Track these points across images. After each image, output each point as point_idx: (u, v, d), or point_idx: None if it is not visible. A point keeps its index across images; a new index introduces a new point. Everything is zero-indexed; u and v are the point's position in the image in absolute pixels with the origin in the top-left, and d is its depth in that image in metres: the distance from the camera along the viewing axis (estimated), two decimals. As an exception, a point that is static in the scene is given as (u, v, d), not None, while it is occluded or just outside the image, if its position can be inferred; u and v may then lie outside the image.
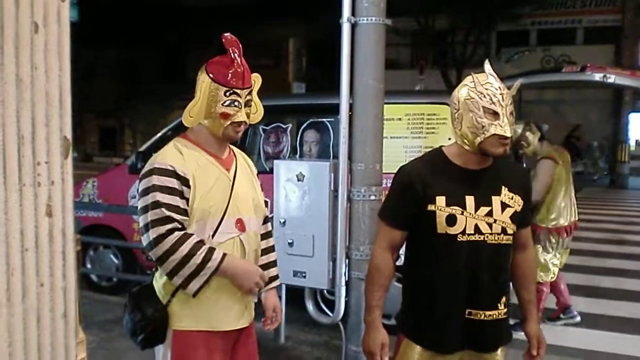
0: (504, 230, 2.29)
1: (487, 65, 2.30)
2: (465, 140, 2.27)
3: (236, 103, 2.33)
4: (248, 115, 2.40)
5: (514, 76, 5.74)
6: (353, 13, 4.03)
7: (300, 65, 25.52)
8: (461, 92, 2.28)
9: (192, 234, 2.26)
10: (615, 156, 20.06)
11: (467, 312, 2.28)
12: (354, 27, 4.05)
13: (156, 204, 2.23)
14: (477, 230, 2.24)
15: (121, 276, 6.46)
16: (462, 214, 2.24)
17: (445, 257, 2.27)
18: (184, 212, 2.27)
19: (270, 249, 2.71)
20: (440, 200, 2.25)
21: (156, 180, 2.25)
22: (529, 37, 24.70)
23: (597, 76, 5.10)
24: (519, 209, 2.33)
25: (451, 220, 2.24)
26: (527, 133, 5.25)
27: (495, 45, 24.71)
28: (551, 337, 5.19)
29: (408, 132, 5.13)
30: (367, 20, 4.01)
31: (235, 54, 2.37)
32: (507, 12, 21.71)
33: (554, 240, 5.28)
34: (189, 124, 2.39)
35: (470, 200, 2.25)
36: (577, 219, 5.47)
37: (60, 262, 1.37)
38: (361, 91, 4.10)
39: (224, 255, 2.28)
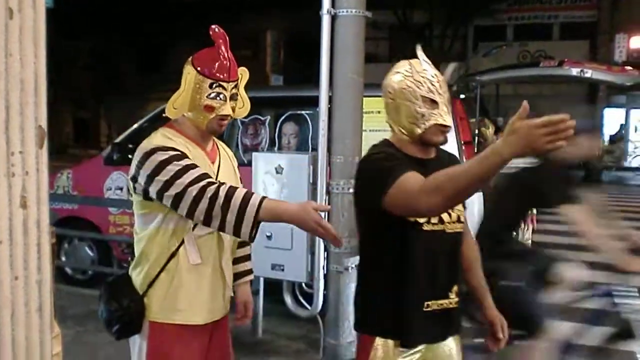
0: (458, 219, 2.25)
1: (419, 51, 2.23)
2: (404, 131, 2.20)
3: (221, 96, 2.30)
4: (233, 109, 2.37)
5: (493, 70, 5.80)
6: (333, 5, 4.02)
7: (277, 57, 25.42)
8: (396, 80, 2.19)
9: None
10: (589, 151, 20.30)
11: (426, 303, 2.19)
12: (333, 19, 4.03)
13: (185, 168, 2.15)
14: (440, 219, 2.18)
15: (96, 269, 6.39)
16: None
17: (408, 246, 2.15)
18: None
19: (246, 242, 2.68)
20: None
21: (164, 154, 2.18)
22: (506, 32, 24.89)
23: (575, 71, 5.15)
24: None
25: None
26: (482, 129, 5.38)
27: (472, 40, 24.86)
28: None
29: (387, 126, 5.11)
30: (347, 12, 4.00)
31: (222, 47, 2.34)
32: (484, 7, 21.85)
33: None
34: (172, 115, 2.35)
35: None
36: (535, 213, 5.53)
37: (35, 254, 1.34)
38: (341, 84, 4.09)
39: (263, 198, 2.14)
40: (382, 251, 2.22)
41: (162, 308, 2.29)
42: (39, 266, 1.35)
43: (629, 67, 5.86)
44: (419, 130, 2.15)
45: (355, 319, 2.36)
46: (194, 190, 2.11)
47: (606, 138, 22.32)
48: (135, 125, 6.30)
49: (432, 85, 2.13)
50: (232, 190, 2.12)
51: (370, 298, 2.28)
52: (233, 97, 2.35)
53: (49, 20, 1.31)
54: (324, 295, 4.29)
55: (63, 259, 6.51)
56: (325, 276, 4.26)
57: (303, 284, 4.75)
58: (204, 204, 2.10)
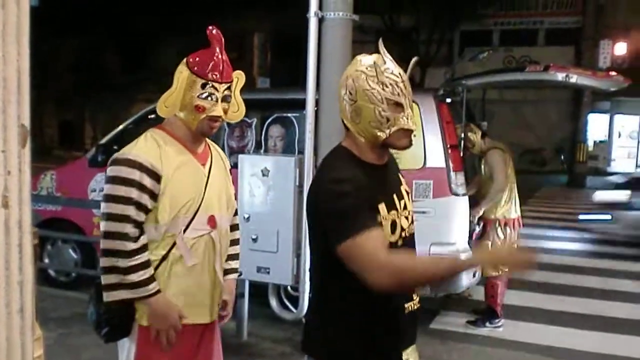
0: (412, 220, 2.13)
1: (381, 47, 2.02)
2: (365, 135, 1.98)
3: (213, 97, 2.29)
4: (225, 111, 2.36)
5: (479, 74, 5.82)
6: (320, 7, 4.02)
7: (264, 59, 25.37)
8: (358, 80, 1.95)
9: (144, 248, 2.25)
10: (574, 156, 20.46)
11: (404, 307, 2.07)
12: (320, 21, 4.03)
13: (124, 200, 2.21)
14: (402, 227, 2.03)
15: (80, 271, 6.34)
16: (398, 216, 2.02)
17: None
18: (146, 211, 2.25)
19: (235, 242, 2.68)
20: (382, 208, 1.96)
21: (129, 173, 2.22)
22: (492, 37, 25.04)
23: (560, 76, 5.17)
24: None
25: (393, 227, 1.99)
26: (469, 134, 5.40)
27: (459, 45, 24.98)
28: (511, 333, 5.31)
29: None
30: (335, 15, 4.00)
31: (217, 48, 2.34)
32: (471, 12, 21.96)
33: (501, 234, 5.36)
34: (164, 114, 2.35)
35: (396, 199, 2.04)
36: (520, 214, 5.56)
37: (16, 255, 1.32)
38: (328, 87, 4.09)
39: (157, 291, 2.26)
40: (346, 279, 1.93)
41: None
42: (20, 267, 1.33)
43: (613, 73, 5.89)
44: (383, 136, 1.95)
45: (309, 340, 2.19)
46: (106, 227, 2.23)
47: (590, 143, 22.50)
48: (120, 127, 6.26)
49: (397, 86, 1.94)
50: (134, 268, 2.21)
51: (337, 318, 2.04)
52: (225, 99, 2.34)
53: (32, 19, 1.29)
54: (309, 298, 4.28)
55: (46, 261, 6.45)
56: (310, 279, 4.25)
57: (288, 287, 4.73)
58: (106, 245, 2.23)
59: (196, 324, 2.38)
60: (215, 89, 2.30)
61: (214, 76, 2.29)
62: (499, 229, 5.36)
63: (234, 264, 2.66)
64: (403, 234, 2.04)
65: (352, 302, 2.00)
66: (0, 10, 1.13)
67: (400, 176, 2.18)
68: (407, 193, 2.16)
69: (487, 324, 5.41)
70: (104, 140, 6.18)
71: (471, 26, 23.73)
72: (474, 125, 5.50)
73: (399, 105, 1.94)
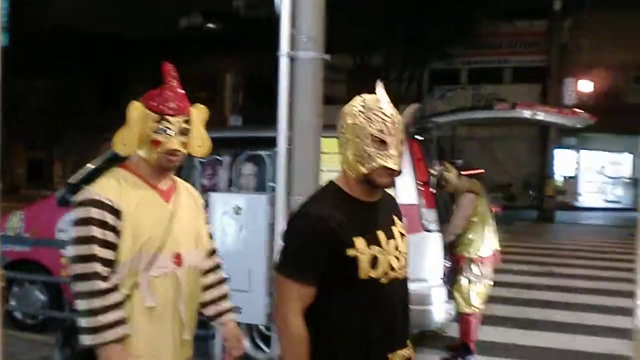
0: (406, 262, 2.16)
1: (379, 88, 2.09)
2: (351, 169, 2.03)
3: (168, 131, 2.28)
4: (184, 145, 2.34)
5: (449, 112, 5.92)
6: (292, 47, 4.07)
7: (236, 98, 25.51)
8: (350, 115, 2.03)
9: (116, 287, 2.21)
10: (542, 191, 20.76)
11: (388, 355, 2.08)
12: (292, 61, 4.08)
13: (88, 239, 2.18)
14: (391, 267, 2.05)
15: (47, 313, 6.19)
16: (382, 253, 2.03)
17: (370, 303, 2.02)
18: (114, 248, 2.22)
19: (222, 282, 2.64)
20: (360, 242, 1.99)
21: (91, 212, 2.20)
22: (460, 75, 25.53)
23: (527, 113, 5.28)
24: (407, 237, 2.20)
25: (374, 262, 2.01)
26: (445, 173, 5.46)
27: (427, 83, 25.40)
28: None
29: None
30: (306, 54, 4.05)
31: (170, 82, 2.34)
32: (439, 51, 22.38)
33: (476, 271, 5.39)
34: (122, 152, 2.34)
35: (382, 236, 2.06)
36: (498, 249, 5.61)
37: (-17, 299, 1.29)
38: (299, 125, 4.12)
39: (124, 336, 2.21)
40: (328, 311, 2.03)
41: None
42: (-13, 311, 1.31)
43: (579, 110, 6.04)
44: (363, 170, 1.99)
45: None
46: (76, 269, 2.19)
47: (559, 178, 22.87)
48: (89, 166, 6.21)
49: (385, 125, 1.98)
50: (109, 308, 2.17)
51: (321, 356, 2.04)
52: (183, 132, 2.33)
53: (4, 59, 1.29)
54: (283, 338, 4.23)
55: (13, 303, 6.29)
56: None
57: (261, 326, 4.68)
58: (79, 287, 2.19)
59: None
60: (170, 122, 2.29)
61: (168, 110, 2.29)
62: (473, 267, 5.39)
63: (225, 305, 2.62)
64: (392, 274, 2.06)
65: (332, 341, 2.03)
66: (-29, 52, 1.13)
67: (396, 218, 2.19)
68: (402, 235, 2.16)
69: (461, 360, 5.41)
70: (73, 179, 6.11)
71: (440, 65, 24.17)
72: (449, 163, 5.55)
73: (383, 143, 1.98)
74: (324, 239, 1.97)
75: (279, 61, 4.07)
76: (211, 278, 2.57)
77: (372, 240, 2.03)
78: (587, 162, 25.74)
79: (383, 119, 1.99)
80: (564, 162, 23.84)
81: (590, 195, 25.70)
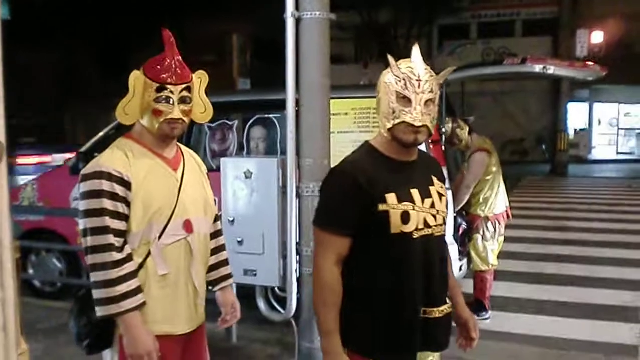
0: (444, 221, 2.23)
1: (415, 50, 2.16)
2: (380, 126, 2.18)
3: (169, 100, 2.27)
4: (186, 113, 2.33)
5: (458, 68, 5.84)
6: (297, 8, 4.01)
7: (244, 61, 25.29)
8: (383, 74, 2.18)
9: (130, 257, 2.23)
10: (555, 145, 20.62)
11: (422, 312, 2.15)
12: (298, 22, 4.02)
13: (99, 212, 2.19)
14: (426, 224, 2.13)
15: (65, 281, 6.29)
16: (414, 209, 2.11)
17: (402, 257, 2.10)
18: (126, 219, 2.24)
19: (221, 248, 2.68)
20: (391, 197, 2.08)
21: (98, 184, 2.20)
22: (470, 30, 25.17)
23: (538, 68, 5.20)
24: (447, 197, 2.30)
25: (405, 217, 2.09)
26: (457, 130, 5.40)
27: (437, 39, 25.09)
28: (499, 324, 5.35)
29: (355, 127, 5.14)
30: (311, 15, 3.99)
31: (169, 51, 2.32)
32: (448, 6, 22.05)
33: (492, 229, 5.39)
34: (125, 121, 2.34)
35: (416, 194, 2.14)
36: (509, 206, 5.60)
37: (-3, 272, 1.31)
38: (307, 87, 4.08)
39: (144, 303, 2.24)
40: (365, 264, 2.13)
41: None
42: (2, 284, 1.32)
43: (590, 63, 5.94)
44: (388, 126, 2.11)
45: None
46: (89, 242, 2.20)
47: (571, 132, 22.69)
48: (100, 134, 6.22)
49: (411, 83, 2.07)
50: (123, 278, 2.19)
51: (362, 315, 2.14)
52: (184, 101, 2.31)
53: (7, 31, 1.28)
54: (298, 299, 4.28)
55: (31, 271, 6.39)
56: (298, 280, 4.25)
57: (276, 288, 4.73)
58: (93, 260, 2.20)
59: (177, 335, 2.36)
60: (171, 91, 2.27)
61: (168, 79, 2.28)
62: (489, 224, 5.39)
63: (225, 271, 2.66)
64: (427, 231, 2.14)
65: (367, 294, 2.13)
66: (-30, 27, 1.12)
67: (435, 179, 2.27)
68: (441, 195, 2.24)
69: (475, 316, 5.43)
70: (84, 148, 6.13)
71: (449, 20, 23.84)
72: (462, 121, 5.50)
73: (407, 101, 2.07)
74: (354, 194, 2.08)
75: (286, 23, 4.02)
76: (212, 244, 2.59)
77: (405, 197, 2.11)
78: (600, 114, 25.49)
79: (410, 78, 2.08)
80: (577, 115, 23.62)
81: (603, 148, 25.53)
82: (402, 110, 2.07)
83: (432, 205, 2.17)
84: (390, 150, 2.17)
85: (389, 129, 2.11)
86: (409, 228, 2.10)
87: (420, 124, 2.08)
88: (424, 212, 2.14)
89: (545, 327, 5.35)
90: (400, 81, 2.08)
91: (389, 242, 2.10)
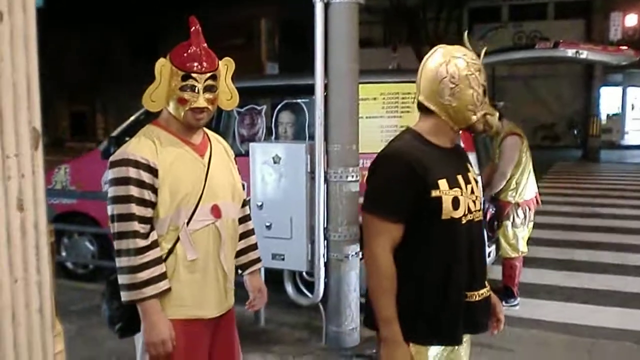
0: (482, 206, 2.29)
1: (467, 41, 2.20)
2: (456, 117, 2.15)
3: (194, 88, 2.28)
4: (211, 101, 2.33)
5: (489, 52, 5.76)
6: (326, -8, 4.00)
7: (272, 45, 25.30)
8: (461, 66, 2.12)
9: (154, 244, 2.27)
10: (587, 130, 20.29)
11: (466, 296, 2.17)
12: (326, 6, 4.01)
13: (126, 199, 2.22)
14: (469, 209, 2.16)
15: (97, 263, 6.40)
16: (462, 194, 2.14)
17: (451, 243, 2.12)
18: (152, 206, 2.27)
19: (250, 232, 2.70)
20: (443, 184, 2.09)
21: (125, 172, 2.23)
22: (501, 13, 24.79)
23: (570, 52, 5.12)
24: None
25: (456, 203, 2.11)
26: (487, 116, 5.32)
27: (467, 22, 24.75)
28: (528, 311, 5.32)
29: (383, 112, 5.12)
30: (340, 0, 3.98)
31: (195, 39, 2.33)
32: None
33: (522, 215, 5.35)
34: (151, 108, 2.36)
35: (460, 180, 2.17)
36: (537, 191, 5.54)
37: (33, 256, 1.34)
38: (336, 72, 4.08)
39: (168, 289, 2.28)
40: (415, 250, 2.14)
41: (164, 304, 2.30)
42: (38, 268, 1.36)
43: (624, 47, 5.82)
44: (474, 118, 2.16)
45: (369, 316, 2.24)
46: (116, 228, 2.25)
47: (603, 117, 22.30)
48: (132, 118, 6.29)
49: (484, 73, 2.16)
50: (145, 265, 2.22)
51: (415, 302, 2.13)
52: (209, 89, 2.32)
53: (40, 16, 1.30)
54: (325, 283, 4.31)
55: (63, 254, 6.52)
56: (325, 264, 4.27)
57: (304, 273, 4.76)
58: (119, 245, 2.25)
59: (207, 319, 2.39)
60: (196, 80, 2.28)
61: (193, 67, 2.28)
62: (519, 211, 5.35)
63: (253, 255, 2.69)
64: (470, 216, 2.17)
65: (416, 279, 2.13)
66: (7, 18, 1.14)
67: (469, 165, 2.31)
68: (477, 182, 2.27)
69: (504, 303, 5.41)
70: (115, 132, 6.21)
71: (479, 2, 23.49)
72: (492, 106, 5.44)
73: (485, 92, 2.17)
74: (409, 179, 2.07)
75: (314, 7, 4.01)
76: (241, 228, 2.61)
77: (454, 183, 2.13)
78: (633, 99, 24.97)
79: (482, 69, 2.16)
80: (609, 99, 23.18)
81: (636, 133, 25.02)
82: (483, 102, 2.16)
83: (472, 191, 2.21)
84: (438, 137, 2.19)
85: (474, 121, 2.17)
86: (458, 213, 2.12)
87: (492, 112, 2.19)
88: (468, 197, 2.18)
89: (574, 315, 5.31)
90: (481, 73, 2.14)
91: (439, 228, 2.10)
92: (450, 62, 2.13)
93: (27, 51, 1.22)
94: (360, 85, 4.23)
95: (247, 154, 4.57)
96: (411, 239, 2.12)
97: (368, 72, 4.89)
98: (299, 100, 5.40)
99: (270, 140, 5.36)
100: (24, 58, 1.21)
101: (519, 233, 5.36)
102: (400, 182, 2.09)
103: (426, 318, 2.13)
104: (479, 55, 2.20)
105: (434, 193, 2.07)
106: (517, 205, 5.34)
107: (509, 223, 5.35)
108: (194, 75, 2.28)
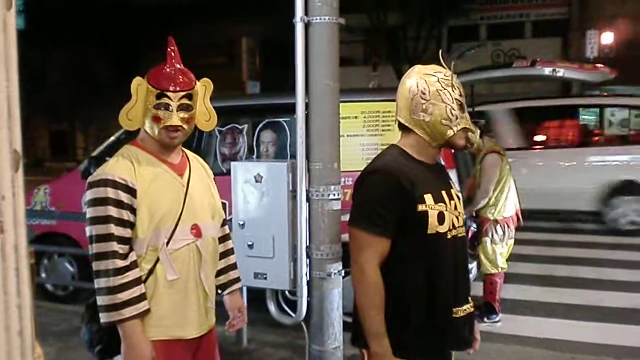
0: (464, 222, 2.30)
1: (442, 59, 2.25)
2: (432, 133, 2.17)
3: (168, 107, 2.29)
4: (187, 121, 2.34)
5: (468, 71, 5.84)
6: (306, 13, 4.03)
7: (254, 64, 25.38)
8: (430, 82, 2.16)
9: (134, 265, 2.25)
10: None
11: (452, 312, 2.18)
12: (307, 26, 4.04)
13: (104, 219, 2.22)
14: (453, 225, 2.19)
15: (77, 284, 6.33)
16: (447, 210, 2.16)
17: (437, 258, 2.14)
18: (131, 226, 2.26)
19: (230, 252, 2.70)
20: (429, 198, 2.12)
21: (104, 192, 2.23)
22: (480, 32, 25.13)
23: (547, 70, 5.21)
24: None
25: (441, 218, 2.13)
26: (469, 134, 5.37)
27: (447, 41, 25.05)
28: (510, 327, 5.34)
29: (365, 130, 5.15)
30: (321, 19, 4.01)
31: (170, 58, 2.35)
32: (456, 8, 22.02)
33: (501, 232, 5.38)
34: (129, 127, 2.36)
35: (445, 196, 2.20)
36: (520, 208, 5.58)
37: (14, 279, 1.32)
38: (317, 91, 4.10)
39: (147, 310, 2.26)
40: (403, 264, 2.14)
41: (143, 325, 2.28)
42: (18, 290, 1.34)
43: (600, 65, 5.95)
44: (451, 133, 2.17)
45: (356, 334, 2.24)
46: (95, 249, 2.25)
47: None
48: (112, 138, 6.27)
49: (461, 89, 2.20)
50: (125, 286, 2.21)
51: (400, 317, 2.13)
52: (184, 109, 2.33)
53: (22, 35, 1.31)
54: (308, 302, 4.29)
55: (43, 275, 6.44)
56: (308, 283, 4.26)
57: (287, 292, 4.74)
58: (97, 266, 2.24)
59: (188, 339, 2.38)
60: (171, 99, 2.29)
61: (168, 86, 2.30)
62: (498, 228, 5.38)
63: (234, 274, 2.69)
64: (455, 232, 2.19)
65: (402, 293, 2.13)
66: (-12, 40, 1.14)
67: (451, 182, 2.35)
68: (459, 198, 2.30)
69: (486, 319, 5.43)
70: (96, 153, 6.18)
71: (458, 22, 23.80)
72: (473, 123, 5.49)
73: (462, 107, 2.20)
74: (396, 193, 2.09)
75: (295, 27, 4.04)
76: (221, 248, 2.61)
77: (439, 198, 2.16)
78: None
79: (459, 86, 2.20)
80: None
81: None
82: (461, 117, 2.18)
83: (456, 207, 2.24)
84: (421, 153, 2.22)
85: (451, 136, 2.18)
86: (443, 228, 2.14)
87: (472, 128, 2.23)
88: (452, 213, 2.20)
89: (556, 330, 5.34)
90: (456, 89, 2.17)
91: (425, 243, 2.12)
92: (421, 79, 2.18)
93: (8, 73, 1.22)
94: (342, 104, 4.25)
95: (229, 173, 4.57)
96: (398, 254, 2.13)
97: (349, 91, 4.93)
98: (280, 120, 5.42)
99: (252, 160, 5.36)
100: (4, 80, 1.21)
101: (498, 250, 5.40)
102: (387, 197, 2.10)
103: (414, 333, 2.14)
104: (459, 74, 2.25)
105: (421, 207, 2.10)
106: (496, 222, 5.38)
107: (488, 240, 5.39)
108: (168, 94, 2.29)
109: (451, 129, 2.17)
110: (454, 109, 2.15)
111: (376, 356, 2.10)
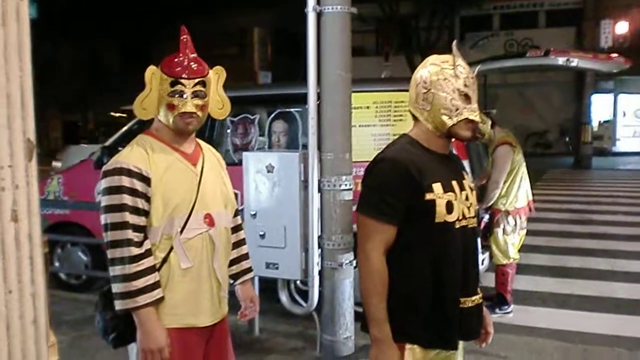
0: (476, 213, 2.29)
1: (455, 48, 2.21)
2: (434, 123, 2.18)
3: (182, 94, 2.31)
4: (200, 107, 2.35)
5: (480, 61, 5.80)
6: (318, 2, 4.02)
7: (265, 54, 25.33)
8: (433, 72, 2.17)
9: (148, 253, 2.27)
10: (578, 137, 20.37)
11: (459, 302, 2.18)
12: (319, 15, 4.03)
13: (119, 207, 2.23)
14: (463, 215, 2.19)
15: (90, 273, 6.38)
16: (456, 199, 2.16)
17: (444, 247, 2.14)
18: (146, 214, 2.28)
19: (241, 242, 2.71)
20: (437, 187, 2.12)
21: (118, 180, 2.24)
22: (492, 21, 24.93)
23: (561, 60, 5.16)
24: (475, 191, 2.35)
25: (449, 207, 2.14)
26: (480, 125, 5.35)
27: (459, 30, 24.87)
28: (521, 318, 5.33)
29: (376, 120, 5.13)
30: (333, 9, 4.00)
31: (183, 46, 2.35)
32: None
33: (512, 222, 5.36)
34: (142, 116, 2.38)
35: (455, 185, 2.19)
36: (532, 199, 5.55)
37: (27, 267, 1.34)
38: (328, 81, 4.10)
39: (161, 298, 2.28)
40: (410, 252, 2.15)
41: (158, 313, 2.30)
42: (32, 279, 1.35)
43: (614, 54, 5.86)
44: (450, 123, 2.14)
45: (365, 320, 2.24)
46: (110, 236, 2.25)
47: (595, 124, 22.40)
48: (124, 128, 6.29)
49: (467, 80, 2.15)
50: (139, 274, 2.22)
51: (407, 303, 2.15)
52: (198, 95, 2.34)
53: (33, 26, 1.31)
54: (319, 292, 4.30)
55: (56, 264, 6.49)
56: (319, 273, 4.27)
57: (298, 282, 4.76)
58: (112, 254, 2.24)
59: (201, 327, 2.39)
60: (184, 85, 2.30)
61: (181, 73, 2.31)
62: (509, 218, 5.36)
63: (245, 264, 2.70)
64: (464, 222, 2.19)
65: (409, 281, 2.14)
66: (1, 28, 1.15)
67: (465, 173, 2.34)
68: (472, 189, 2.30)
69: (497, 310, 5.42)
70: (108, 142, 6.21)
71: (471, 11, 23.62)
72: (484, 114, 5.46)
73: (467, 97, 2.15)
74: (404, 181, 2.10)
75: (307, 16, 4.03)
76: (233, 238, 2.62)
77: (448, 187, 2.16)
78: (625, 105, 25.10)
79: (467, 75, 2.16)
80: (601, 106, 23.29)
81: (627, 140, 25.13)
82: (464, 107, 2.13)
83: (467, 198, 2.23)
84: (430, 143, 2.21)
85: (450, 126, 2.15)
86: (452, 217, 2.14)
87: (478, 120, 2.19)
88: (462, 203, 2.20)
89: (568, 321, 5.32)
90: (459, 79, 2.14)
91: (433, 231, 2.13)
92: (424, 68, 2.21)
93: (22, 62, 1.23)
94: (353, 94, 4.25)
95: (240, 162, 4.57)
96: (405, 242, 2.14)
97: (361, 80, 4.91)
98: (292, 110, 5.41)
99: (263, 150, 5.37)
100: (17, 69, 1.22)
101: (509, 240, 5.37)
102: (395, 184, 2.11)
103: (421, 322, 2.15)
104: (471, 64, 2.23)
105: (428, 196, 2.10)
106: (507, 212, 5.35)
107: (499, 230, 5.37)
108: (181, 81, 2.30)
109: (450, 118, 2.14)
110: (454, 99, 2.13)
111: (375, 341, 2.13)
